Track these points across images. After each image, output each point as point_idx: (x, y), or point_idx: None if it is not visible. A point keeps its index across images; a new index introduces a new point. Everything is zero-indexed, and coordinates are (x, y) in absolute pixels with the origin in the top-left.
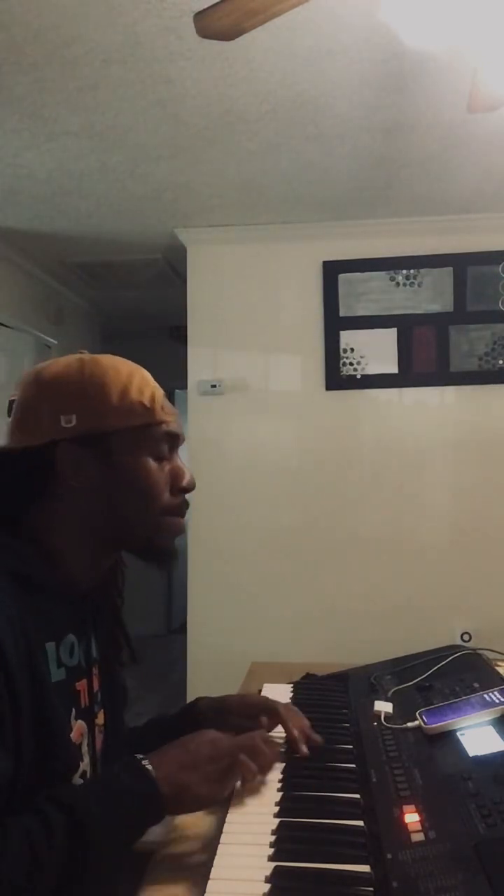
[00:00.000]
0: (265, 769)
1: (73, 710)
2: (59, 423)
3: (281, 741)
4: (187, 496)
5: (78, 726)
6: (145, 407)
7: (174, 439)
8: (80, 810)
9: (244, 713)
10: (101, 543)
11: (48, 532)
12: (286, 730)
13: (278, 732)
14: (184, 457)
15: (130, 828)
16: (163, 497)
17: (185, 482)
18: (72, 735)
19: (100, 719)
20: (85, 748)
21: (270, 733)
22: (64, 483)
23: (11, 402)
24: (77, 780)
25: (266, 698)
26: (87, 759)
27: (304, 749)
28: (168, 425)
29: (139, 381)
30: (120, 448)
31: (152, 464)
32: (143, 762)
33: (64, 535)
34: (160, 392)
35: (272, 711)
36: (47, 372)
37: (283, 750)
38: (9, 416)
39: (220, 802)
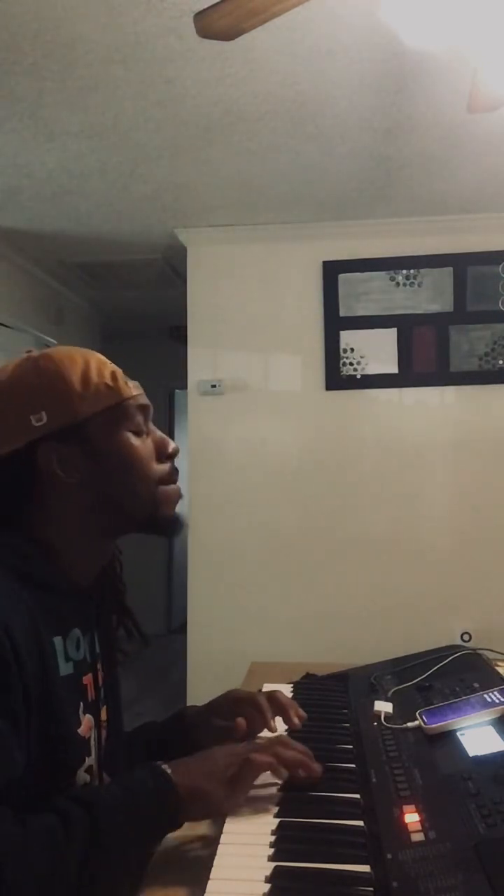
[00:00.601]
0: (288, 763)
1: (82, 704)
2: (30, 423)
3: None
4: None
5: (86, 720)
6: (109, 387)
7: (146, 411)
8: (99, 806)
9: (227, 713)
10: (101, 533)
11: (45, 529)
12: (263, 719)
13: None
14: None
15: (148, 826)
16: (153, 469)
17: (170, 449)
18: (80, 729)
19: (103, 715)
20: (92, 742)
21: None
22: (52, 481)
23: None
24: (82, 774)
25: (247, 692)
26: (93, 754)
27: (296, 721)
28: (136, 399)
29: (96, 363)
30: (98, 433)
31: (134, 439)
32: (163, 766)
33: (61, 531)
34: (119, 371)
35: (251, 703)
36: (1, 378)
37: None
38: None
39: (236, 808)
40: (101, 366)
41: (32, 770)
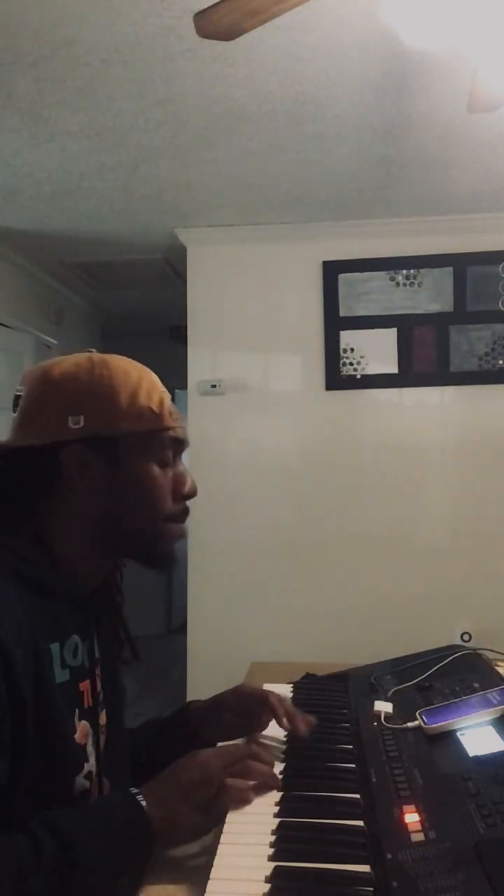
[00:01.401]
0: (259, 782)
1: (77, 710)
2: (67, 423)
3: (280, 742)
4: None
5: (82, 727)
6: (154, 412)
7: (179, 445)
8: (70, 834)
9: (238, 709)
10: (103, 546)
11: (52, 533)
12: (276, 718)
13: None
14: (185, 457)
15: (120, 858)
16: (166, 504)
17: (187, 489)
18: (76, 736)
19: (102, 719)
20: (90, 748)
21: (267, 734)
22: (68, 484)
23: (17, 398)
24: (81, 780)
25: (256, 688)
26: (91, 760)
27: (303, 728)
28: (175, 431)
29: (148, 385)
30: (126, 453)
31: (157, 470)
32: (136, 795)
33: (68, 536)
34: (168, 397)
35: (262, 701)
36: (56, 370)
37: (283, 749)
38: (14, 411)
39: (211, 831)
40: (151, 389)
41: (30, 778)
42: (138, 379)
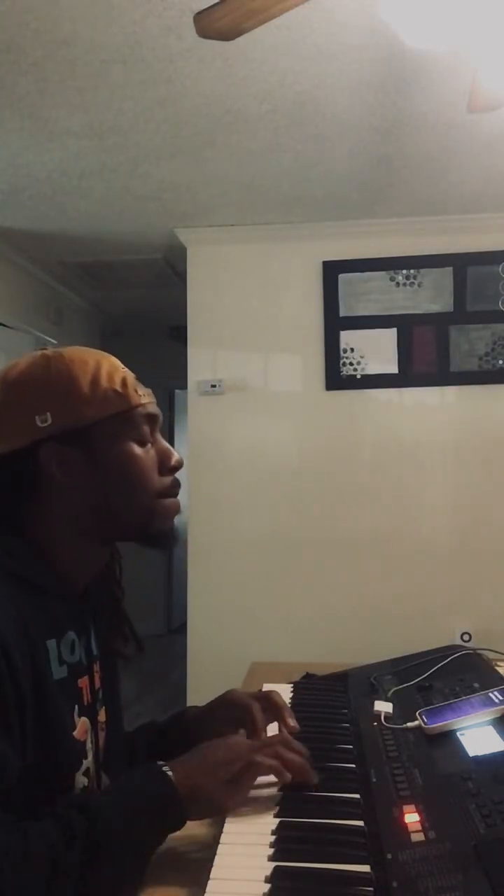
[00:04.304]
0: (290, 766)
1: (76, 707)
2: (35, 423)
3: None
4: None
5: (81, 723)
6: (118, 393)
7: (153, 420)
8: (99, 813)
9: (224, 717)
10: (96, 538)
11: (41, 530)
12: (255, 729)
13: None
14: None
15: (150, 832)
16: (153, 481)
17: (173, 461)
18: (75, 733)
19: (102, 716)
20: (89, 745)
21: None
22: (51, 482)
23: None
24: (80, 777)
25: (244, 696)
26: (90, 757)
27: (292, 725)
28: (145, 407)
29: (108, 368)
30: (101, 439)
31: (137, 449)
32: (163, 767)
33: (57, 532)
34: (131, 375)
35: (246, 709)
36: (13, 373)
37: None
38: None
39: (238, 806)
40: (112, 370)
41: (30, 774)
42: (96, 364)
